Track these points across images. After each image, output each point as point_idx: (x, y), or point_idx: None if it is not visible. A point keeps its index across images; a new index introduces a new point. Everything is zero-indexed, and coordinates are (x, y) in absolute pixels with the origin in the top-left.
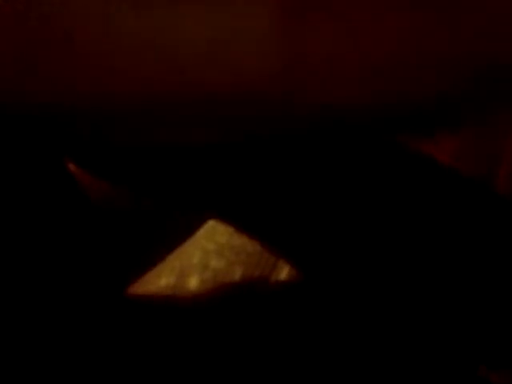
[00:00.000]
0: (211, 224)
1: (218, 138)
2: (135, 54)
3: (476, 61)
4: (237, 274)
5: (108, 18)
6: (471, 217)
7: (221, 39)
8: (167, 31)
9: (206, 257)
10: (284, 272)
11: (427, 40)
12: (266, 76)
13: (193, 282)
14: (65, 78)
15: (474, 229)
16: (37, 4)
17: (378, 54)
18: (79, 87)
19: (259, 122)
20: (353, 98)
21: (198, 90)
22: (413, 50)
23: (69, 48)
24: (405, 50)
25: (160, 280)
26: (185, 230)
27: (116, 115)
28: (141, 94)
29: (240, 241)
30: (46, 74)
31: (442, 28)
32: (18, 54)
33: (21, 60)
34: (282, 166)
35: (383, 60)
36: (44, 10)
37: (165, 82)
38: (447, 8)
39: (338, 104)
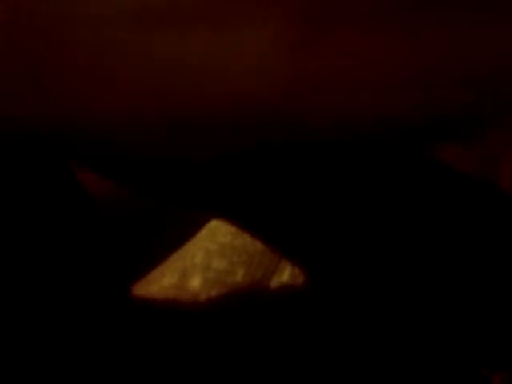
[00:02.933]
0: (213, 224)
1: (221, 152)
2: (139, 70)
3: (477, 72)
4: (239, 274)
5: (111, 37)
6: (475, 216)
7: (226, 55)
8: (169, 45)
9: (208, 257)
10: (286, 272)
11: (432, 53)
12: (271, 90)
13: (195, 282)
14: (68, 90)
15: (478, 228)
16: (41, 22)
17: (384, 69)
18: (82, 100)
19: (263, 135)
20: (358, 112)
21: (203, 104)
22: (418, 63)
23: (72, 62)
24: (410, 63)
25: (163, 280)
26: (187, 231)
27: (116, 129)
28: (143, 108)
29: (242, 241)
30: (50, 86)
31: (444, 41)
32: (21, 67)
33: (24, 72)
34: (287, 170)
35: (389, 74)
36: (48, 28)
37: (168, 97)
38: (449, 22)
39: (343, 117)
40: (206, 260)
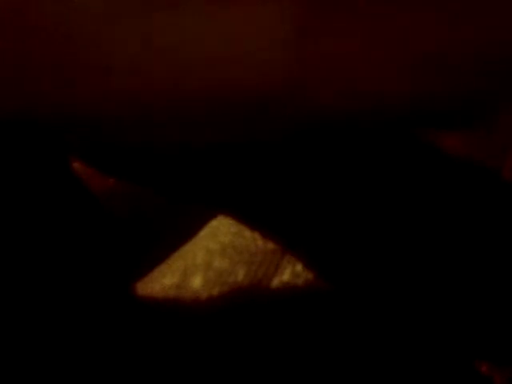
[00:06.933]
0: (214, 224)
1: (226, 139)
2: (139, 56)
3: (486, 55)
4: (240, 273)
5: (115, 19)
6: (477, 204)
7: (232, 40)
8: (174, 31)
9: (209, 256)
10: (287, 272)
11: (437, 40)
12: (277, 77)
13: (196, 282)
14: (66, 78)
15: (479, 217)
16: (36, 5)
17: (387, 55)
18: (83, 88)
19: (268, 122)
20: (364, 98)
21: (207, 90)
22: (422, 50)
23: (71, 48)
24: (415, 51)
25: (164, 279)
26: (187, 230)
27: (120, 116)
28: (144, 96)
29: (243, 241)
30: (47, 74)
31: (450, 27)
32: (17, 54)
33: (21, 60)
34: (289, 163)
35: (393, 61)
36: (45, 10)
37: (172, 84)
38: (453, 7)
39: (350, 104)
40: (207, 259)
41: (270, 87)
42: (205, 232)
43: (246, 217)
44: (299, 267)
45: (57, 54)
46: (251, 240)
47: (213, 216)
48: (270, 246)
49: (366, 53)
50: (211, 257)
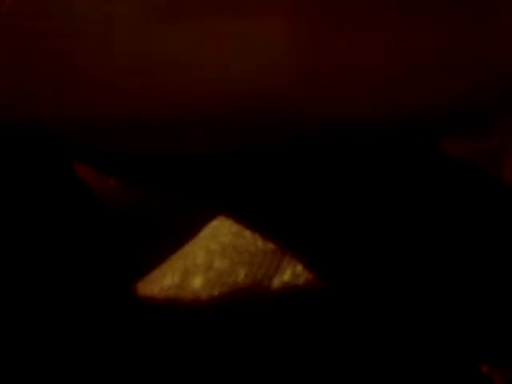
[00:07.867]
0: (215, 224)
1: (227, 150)
2: (140, 67)
3: (484, 62)
4: (240, 274)
5: (111, 34)
6: (477, 209)
7: (233, 50)
8: (175, 40)
9: (209, 257)
10: (288, 272)
11: (437, 47)
12: (278, 88)
13: (197, 282)
14: (68, 80)
15: (479, 222)
16: (38, 6)
17: (389, 65)
18: (85, 89)
19: (271, 129)
20: (365, 109)
21: (209, 101)
22: (423, 58)
23: (73, 50)
24: (415, 61)
25: (164, 280)
26: (188, 230)
27: (116, 127)
28: (145, 107)
29: (243, 241)
30: (48, 76)
31: (450, 35)
32: (19, 56)
33: (22, 62)
34: (290, 165)
35: (394, 71)
36: (47, 12)
37: (175, 93)
38: (451, 12)
39: (350, 115)
40: (208, 260)
41: (274, 97)
42: (205, 232)
43: (247, 218)
44: (300, 268)
45: (58, 56)
46: (251, 240)
47: (213, 216)
48: (271, 246)
49: (368, 63)
50: (211, 257)
